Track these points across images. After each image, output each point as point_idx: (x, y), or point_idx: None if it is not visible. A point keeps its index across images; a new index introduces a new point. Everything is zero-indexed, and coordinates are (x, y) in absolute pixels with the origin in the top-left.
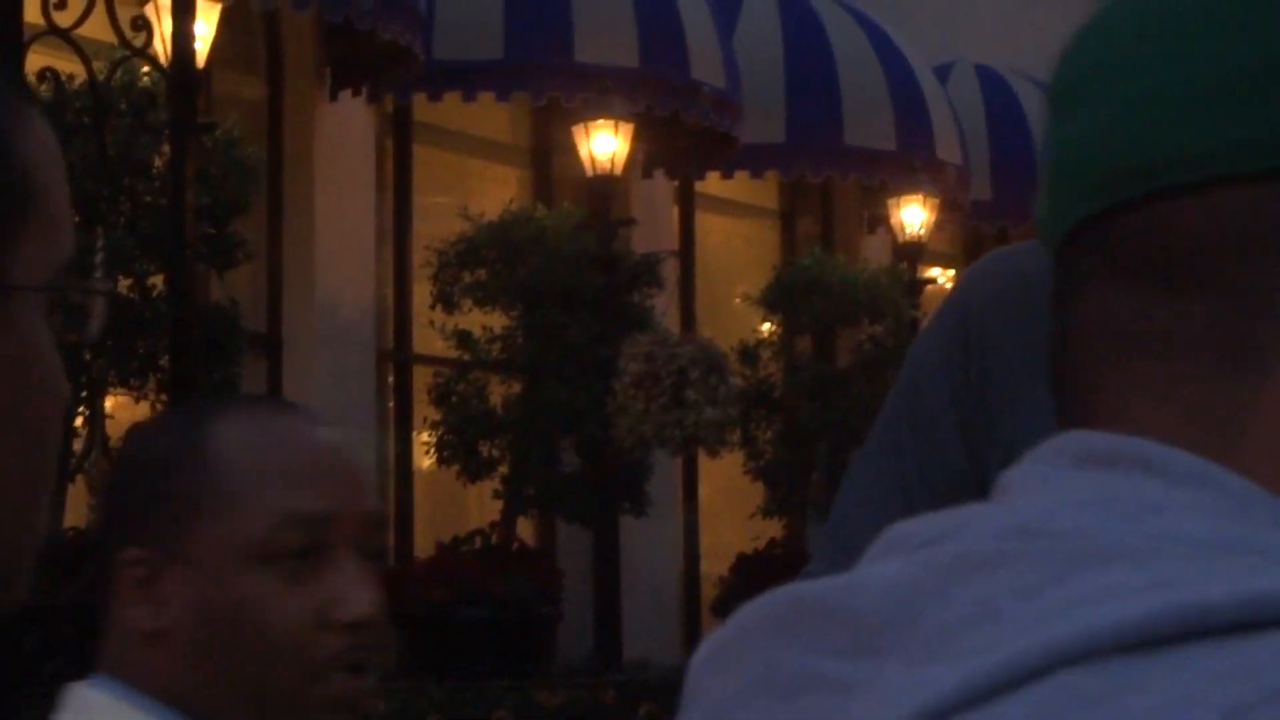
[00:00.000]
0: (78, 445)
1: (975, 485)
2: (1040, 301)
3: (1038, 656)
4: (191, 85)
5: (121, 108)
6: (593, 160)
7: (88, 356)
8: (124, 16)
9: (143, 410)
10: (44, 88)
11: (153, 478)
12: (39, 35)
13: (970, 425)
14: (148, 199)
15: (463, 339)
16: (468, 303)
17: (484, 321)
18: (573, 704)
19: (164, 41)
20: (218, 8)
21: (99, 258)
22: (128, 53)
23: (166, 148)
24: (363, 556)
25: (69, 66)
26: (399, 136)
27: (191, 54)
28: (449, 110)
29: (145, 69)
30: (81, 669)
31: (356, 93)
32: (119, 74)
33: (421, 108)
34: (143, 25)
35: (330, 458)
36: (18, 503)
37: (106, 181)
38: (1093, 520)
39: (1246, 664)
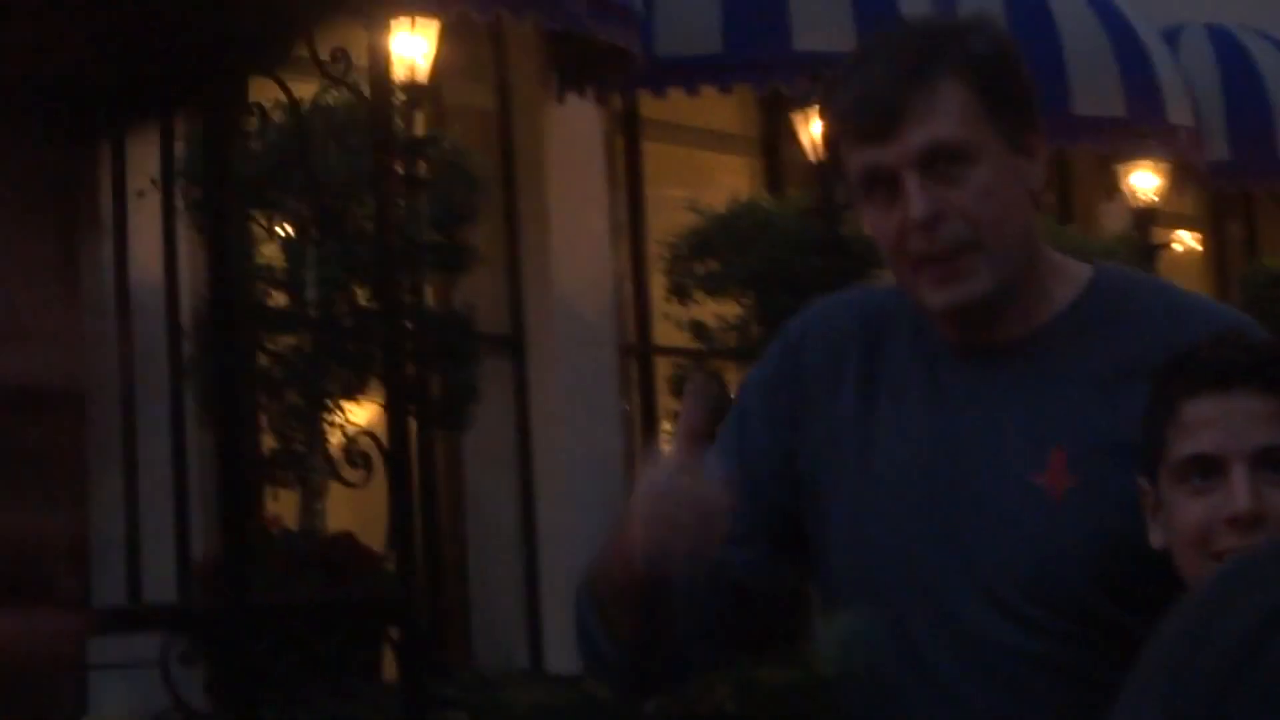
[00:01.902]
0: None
1: (778, 459)
2: (844, 355)
3: None
4: (387, 109)
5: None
6: (815, 146)
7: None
8: (353, 42)
9: (371, 416)
10: (251, 121)
11: None
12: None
13: (778, 419)
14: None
15: (698, 330)
16: (702, 293)
17: (718, 311)
18: (798, 683)
19: (388, 62)
20: (436, 23)
21: (310, 276)
22: (328, 83)
23: (399, 165)
24: None
25: (302, 91)
26: (627, 134)
27: (387, 79)
28: (676, 105)
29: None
30: (309, 667)
31: (582, 94)
32: (336, 96)
33: (649, 104)
34: (341, 57)
35: None
36: None
37: (312, 203)
38: None
39: None
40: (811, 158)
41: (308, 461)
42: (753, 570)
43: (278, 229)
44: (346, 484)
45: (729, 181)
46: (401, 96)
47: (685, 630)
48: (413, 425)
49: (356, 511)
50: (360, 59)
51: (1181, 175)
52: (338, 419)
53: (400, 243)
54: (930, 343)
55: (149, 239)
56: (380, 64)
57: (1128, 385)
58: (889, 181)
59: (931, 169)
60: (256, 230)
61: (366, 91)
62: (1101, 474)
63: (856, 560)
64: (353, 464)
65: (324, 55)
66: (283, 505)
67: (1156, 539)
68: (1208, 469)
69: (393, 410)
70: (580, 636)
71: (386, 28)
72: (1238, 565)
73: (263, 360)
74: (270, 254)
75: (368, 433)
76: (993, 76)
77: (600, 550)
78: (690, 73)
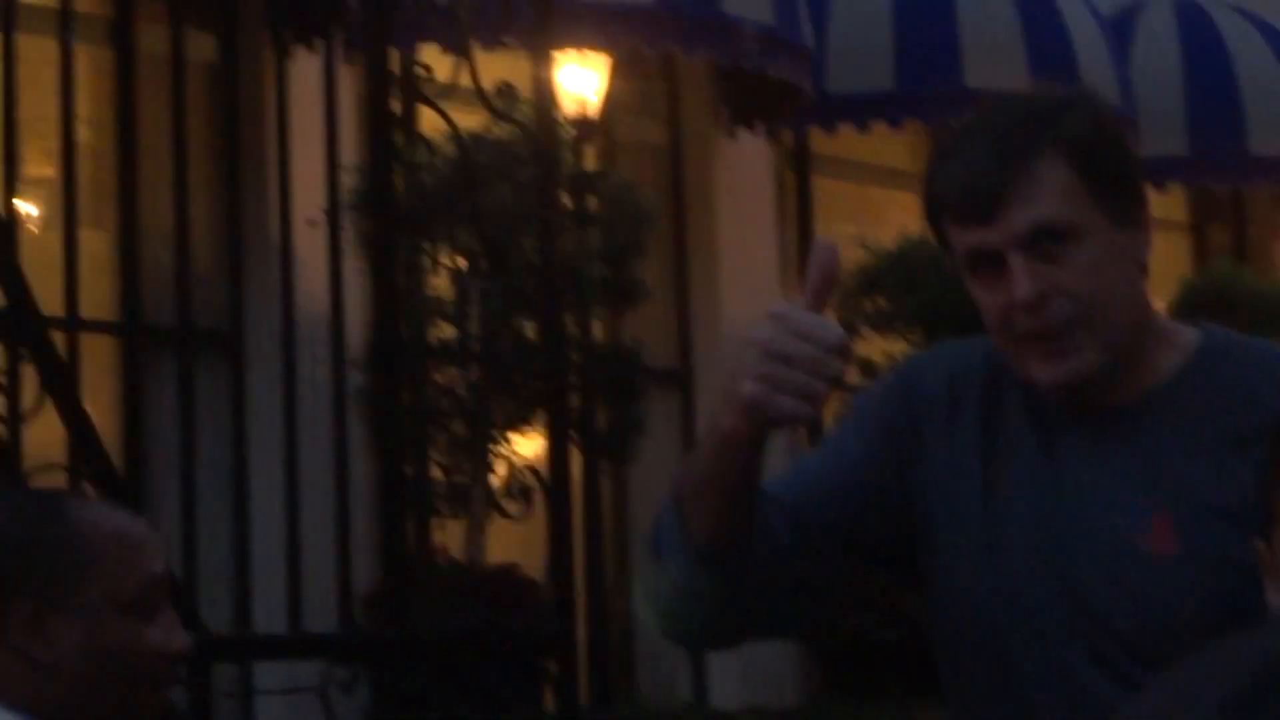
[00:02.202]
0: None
1: (871, 468)
2: (962, 398)
3: None
4: (553, 144)
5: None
6: None
7: (477, 397)
8: (518, 75)
9: (537, 449)
10: (419, 152)
11: (26, 546)
12: (403, 110)
13: (881, 431)
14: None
15: (865, 366)
16: (870, 330)
17: (886, 348)
18: None
19: (557, 98)
20: (607, 58)
21: (472, 310)
22: (494, 116)
23: (568, 199)
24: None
25: (464, 121)
26: (798, 169)
27: (553, 113)
28: (846, 141)
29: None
30: (469, 697)
31: (753, 130)
32: (504, 130)
33: (819, 140)
34: (507, 91)
35: (152, 531)
36: None
37: (478, 236)
38: None
39: None
40: None
41: (469, 493)
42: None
43: (445, 261)
44: (506, 516)
45: (899, 218)
46: (569, 131)
47: (760, 552)
48: (578, 458)
49: (523, 542)
50: (528, 93)
51: None
52: (502, 451)
53: (567, 277)
54: (1043, 400)
55: (318, 268)
56: (545, 98)
57: (1236, 450)
58: (994, 260)
59: (1036, 248)
60: (425, 263)
61: (533, 125)
62: (1208, 538)
63: (974, 601)
64: (513, 496)
65: (489, 88)
66: (449, 535)
67: (1274, 599)
68: None
69: (554, 443)
70: (653, 551)
71: (553, 62)
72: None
73: (429, 392)
74: (440, 286)
75: (528, 466)
76: (1093, 154)
77: (705, 430)
78: (861, 109)
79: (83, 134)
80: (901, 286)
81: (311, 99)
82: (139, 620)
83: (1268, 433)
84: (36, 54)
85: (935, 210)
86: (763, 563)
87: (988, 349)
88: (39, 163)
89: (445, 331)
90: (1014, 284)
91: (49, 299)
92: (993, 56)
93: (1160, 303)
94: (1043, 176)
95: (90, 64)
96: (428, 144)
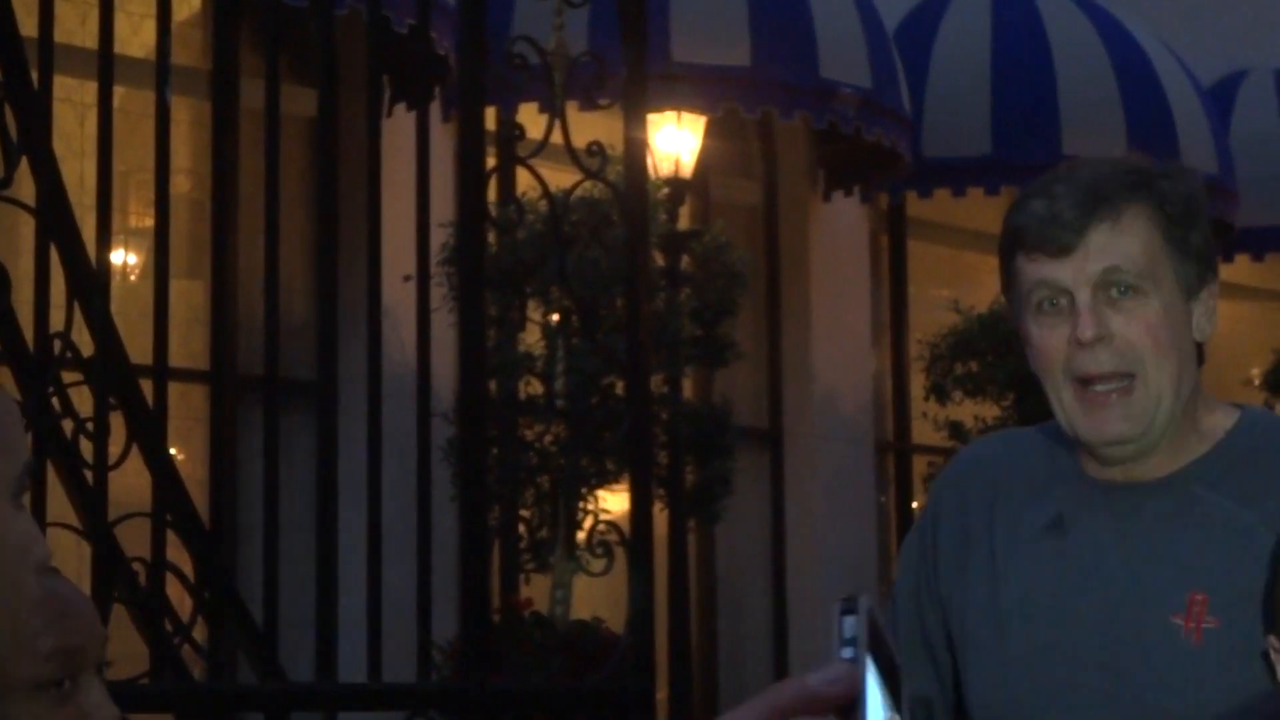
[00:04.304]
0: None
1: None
2: (981, 483)
3: None
4: (642, 204)
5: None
6: None
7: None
8: (616, 135)
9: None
10: (510, 210)
11: None
12: (496, 169)
13: (920, 587)
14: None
15: (955, 429)
16: (961, 393)
17: (977, 411)
18: None
19: (653, 159)
20: (703, 119)
21: (559, 368)
22: (582, 177)
23: (662, 258)
24: (99, 675)
25: (561, 179)
26: (893, 233)
27: (642, 173)
28: (941, 205)
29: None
30: None
31: (849, 193)
32: (597, 189)
33: (914, 204)
34: (596, 152)
35: (81, 597)
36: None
37: (569, 294)
38: None
39: None
40: None
41: (551, 548)
42: None
43: (537, 319)
44: (589, 573)
45: (993, 283)
46: (662, 190)
47: None
48: (665, 515)
49: (611, 598)
50: (619, 151)
51: None
52: (590, 507)
53: (660, 336)
54: (1076, 478)
55: (410, 323)
56: (636, 157)
57: (1270, 533)
58: (1059, 299)
59: (1104, 293)
60: (518, 319)
61: (623, 184)
62: (1245, 620)
63: (998, 694)
64: (594, 553)
65: (583, 148)
66: (537, 590)
67: None
68: None
69: (636, 499)
70: None
71: (646, 122)
72: None
73: (517, 447)
74: (531, 343)
75: (610, 521)
76: (1179, 221)
77: None
78: (958, 174)
79: (181, 185)
80: (993, 351)
81: (409, 155)
82: (49, 702)
83: None
84: (137, 106)
85: (1010, 241)
86: None
87: (1008, 437)
88: (141, 214)
89: (535, 387)
90: (1078, 322)
91: (145, 347)
92: (1091, 124)
93: (1255, 370)
94: (1127, 226)
95: (190, 116)
96: (518, 202)
